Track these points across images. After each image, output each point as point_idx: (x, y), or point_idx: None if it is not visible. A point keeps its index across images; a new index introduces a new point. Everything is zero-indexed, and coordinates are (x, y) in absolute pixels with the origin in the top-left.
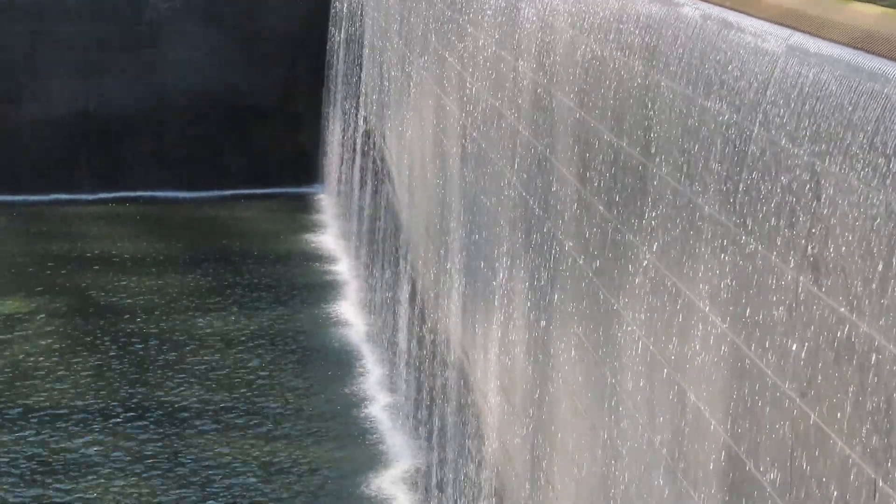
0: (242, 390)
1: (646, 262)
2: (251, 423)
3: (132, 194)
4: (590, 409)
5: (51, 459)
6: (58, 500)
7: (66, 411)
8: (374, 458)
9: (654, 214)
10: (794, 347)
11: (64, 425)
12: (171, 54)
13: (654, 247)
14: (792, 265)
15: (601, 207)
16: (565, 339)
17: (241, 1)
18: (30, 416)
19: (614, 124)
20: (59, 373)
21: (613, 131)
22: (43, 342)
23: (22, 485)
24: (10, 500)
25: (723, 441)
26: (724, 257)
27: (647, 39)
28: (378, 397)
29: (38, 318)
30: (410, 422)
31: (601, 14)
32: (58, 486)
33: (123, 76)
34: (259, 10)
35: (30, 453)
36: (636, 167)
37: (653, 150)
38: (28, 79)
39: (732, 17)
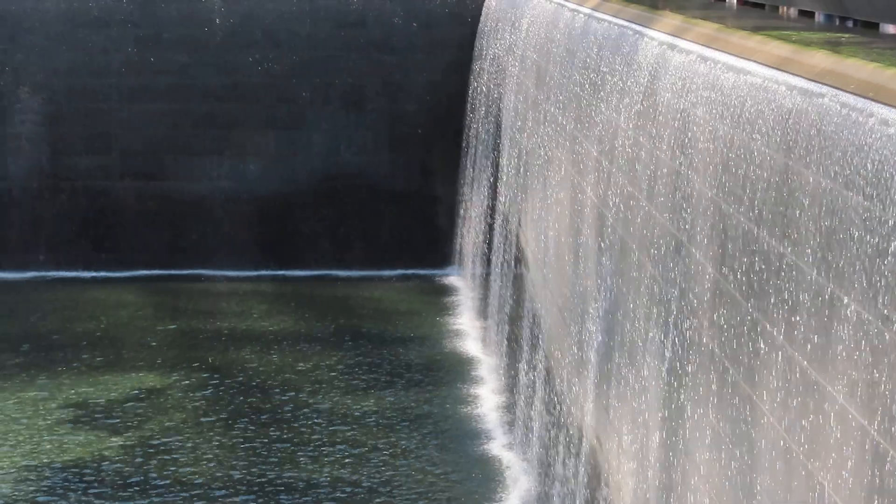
0: (378, 471)
1: (782, 351)
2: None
3: (269, 273)
4: (725, 498)
5: None
6: None
7: (199, 487)
8: None
9: (791, 303)
10: None
11: (198, 501)
12: (312, 136)
13: (791, 336)
14: None
15: (738, 295)
16: (700, 427)
17: (382, 84)
18: (166, 489)
19: (753, 212)
20: (196, 449)
21: (752, 219)
22: (181, 416)
23: None
24: None
25: None
26: (863, 349)
27: (786, 129)
28: (509, 477)
29: (175, 392)
30: None
31: (740, 102)
32: None
33: (263, 156)
34: (399, 94)
35: None
36: (774, 255)
37: (792, 239)
38: (171, 157)
39: (873, 107)
